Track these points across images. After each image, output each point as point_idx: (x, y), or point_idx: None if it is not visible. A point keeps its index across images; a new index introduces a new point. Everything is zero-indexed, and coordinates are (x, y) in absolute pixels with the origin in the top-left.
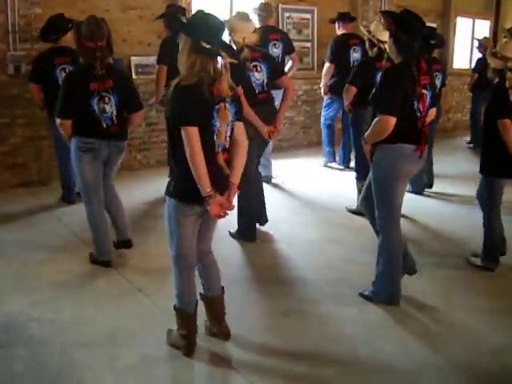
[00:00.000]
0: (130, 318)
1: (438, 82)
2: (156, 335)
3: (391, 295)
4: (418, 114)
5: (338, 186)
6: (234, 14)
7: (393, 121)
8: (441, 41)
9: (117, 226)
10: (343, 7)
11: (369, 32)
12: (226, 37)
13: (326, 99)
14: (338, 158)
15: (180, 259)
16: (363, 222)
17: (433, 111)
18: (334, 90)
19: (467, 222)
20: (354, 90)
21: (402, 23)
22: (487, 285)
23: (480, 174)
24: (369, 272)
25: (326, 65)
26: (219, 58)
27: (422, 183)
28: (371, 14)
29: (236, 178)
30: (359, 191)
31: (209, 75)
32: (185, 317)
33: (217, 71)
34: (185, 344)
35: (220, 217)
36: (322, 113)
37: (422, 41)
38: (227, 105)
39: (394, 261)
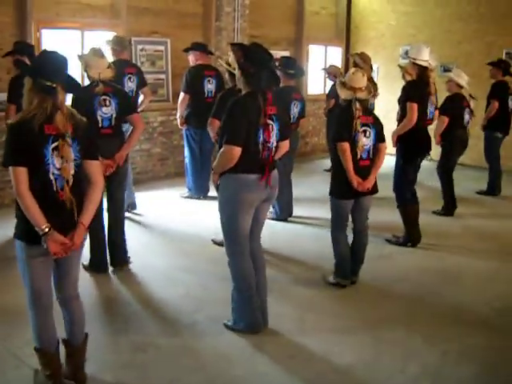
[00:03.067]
0: None
1: (296, 111)
2: (6, 381)
3: (250, 323)
4: (263, 145)
5: (195, 216)
6: (88, 49)
7: (237, 151)
8: (300, 70)
9: None
10: (196, 38)
11: (228, 64)
12: (77, 72)
13: (184, 130)
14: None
15: (34, 300)
16: (217, 251)
17: (286, 144)
18: (189, 121)
19: (325, 243)
20: (217, 122)
21: (250, 56)
22: (338, 305)
23: (330, 197)
24: (225, 299)
25: (181, 95)
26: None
27: (291, 209)
28: (224, 45)
29: (86, 218)
30: None
31: (43, 112)
32: (46, 357)
33: (55, 107)
34: None
35: (60, 256)
36: (185, 146)
37: (269, 73)
38: (68, 140)
39: (246, 287)
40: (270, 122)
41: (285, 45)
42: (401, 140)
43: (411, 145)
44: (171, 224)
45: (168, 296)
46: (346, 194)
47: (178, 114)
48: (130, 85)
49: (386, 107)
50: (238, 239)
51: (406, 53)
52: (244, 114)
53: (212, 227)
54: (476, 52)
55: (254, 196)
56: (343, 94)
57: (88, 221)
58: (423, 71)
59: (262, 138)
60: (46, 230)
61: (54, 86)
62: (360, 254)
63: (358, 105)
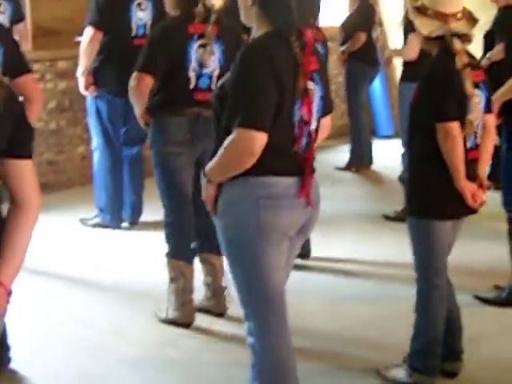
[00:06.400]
0: None
1: None
2: None
3: None
4: (301, 127)
5: (118, 265)
6: None
7: (262, 139)
8: None
9: None
10: None
11: None
12: None
13: (91, 99)
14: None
15: None
16: (164, 342)
17: (327, 122)
18: (104, 78)
19: (352, 308)
20: (149, 81)
21: None
22: None
23: (408, 217)
24: None
25: (88, 31)
26: None
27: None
28: None
29: (7, 274)
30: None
31: None
32: None
33: None
34: None
35: None
36: (92, 128)
37: None
38: None
39: None
40: (311, 85)
41: None
42: (507, 109)
43: None
44: (72, 285)
45: None
46: (452, 209)
47: (81, 69)
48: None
49: None
50: (268, 301)
51: None
52: (270, 72)
53: (152, 288)
54: None
55: (287, 217)
56: (425, 28)
57: (11, 278)
58: None
59: (298, 116)
60: None
61: None
62: (458, 317)
63: (459, 44)
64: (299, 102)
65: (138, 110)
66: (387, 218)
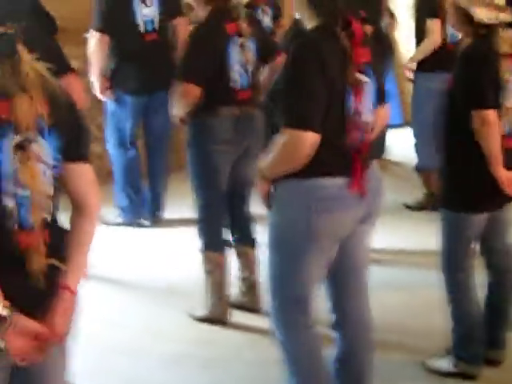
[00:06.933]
0: None
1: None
2: None
3: None
4: (353, 120)
5: (143, 266)
6: None
7: (314, 139)
8: None
9: None
10: None
11: None
12: None
13: (109, 103)
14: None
15: None
16: (201, 342)
17: (386, 111)
18: (121, 80)
19: (414, 295)
20: (196, 90)
21: None
22: None
23: (443, 209)
24: None
25: (93, 36)
26: None
27: None
28: None
29: (73, 278)
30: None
31: None
32: None
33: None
34: None
35: (30, 360)
36: (108, 128)
37: None
38: (37, 139)
39: (303, 377)
40: (363, 77)
41: None
42: None
43: None
44: (102, 285)
45: None
46: (485, 202)
47: (96, 72)
48: None
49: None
50: (298, 299)
51: None
52: (320, 68)
53: (181, 285)
54: None
55: (339, 219)
56: (483, 15)
57: (76, 282)
58: None
59: (350, 109)
60: (4, 312)
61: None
62: (507, 308)
63: (506, 33)
64: (351, 94)
65: (179, 113)
66: (408, 207)
